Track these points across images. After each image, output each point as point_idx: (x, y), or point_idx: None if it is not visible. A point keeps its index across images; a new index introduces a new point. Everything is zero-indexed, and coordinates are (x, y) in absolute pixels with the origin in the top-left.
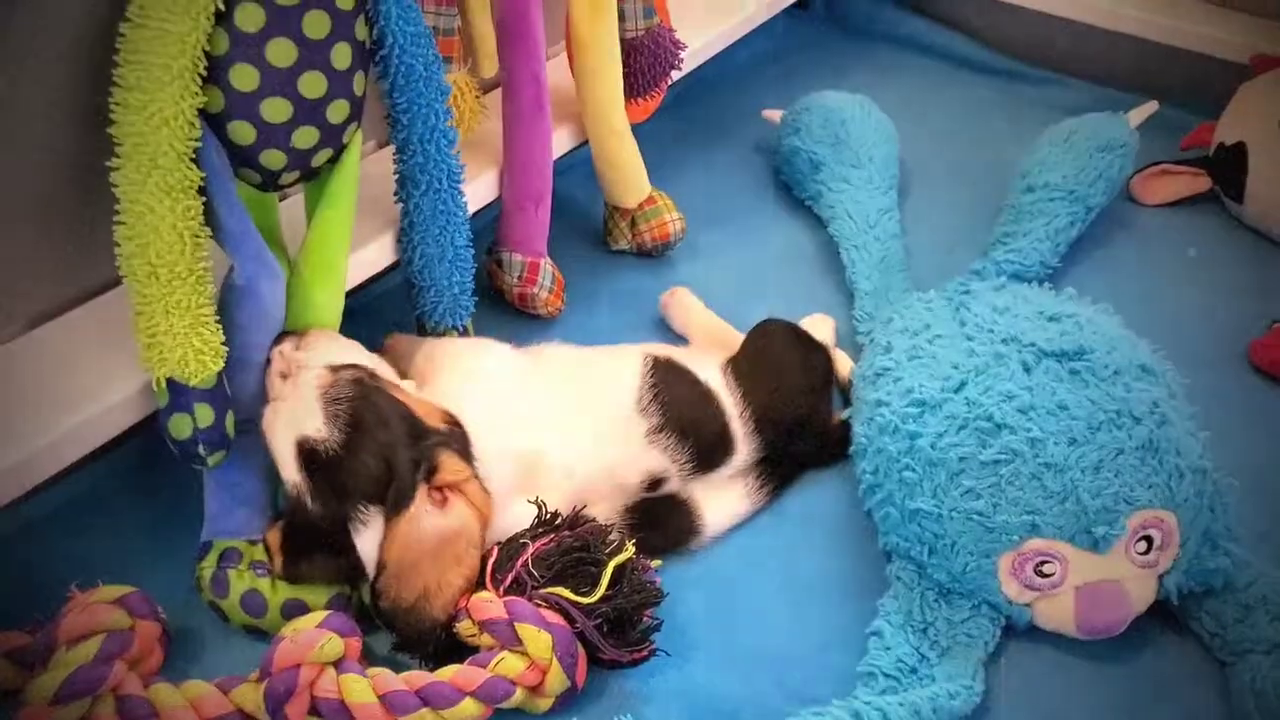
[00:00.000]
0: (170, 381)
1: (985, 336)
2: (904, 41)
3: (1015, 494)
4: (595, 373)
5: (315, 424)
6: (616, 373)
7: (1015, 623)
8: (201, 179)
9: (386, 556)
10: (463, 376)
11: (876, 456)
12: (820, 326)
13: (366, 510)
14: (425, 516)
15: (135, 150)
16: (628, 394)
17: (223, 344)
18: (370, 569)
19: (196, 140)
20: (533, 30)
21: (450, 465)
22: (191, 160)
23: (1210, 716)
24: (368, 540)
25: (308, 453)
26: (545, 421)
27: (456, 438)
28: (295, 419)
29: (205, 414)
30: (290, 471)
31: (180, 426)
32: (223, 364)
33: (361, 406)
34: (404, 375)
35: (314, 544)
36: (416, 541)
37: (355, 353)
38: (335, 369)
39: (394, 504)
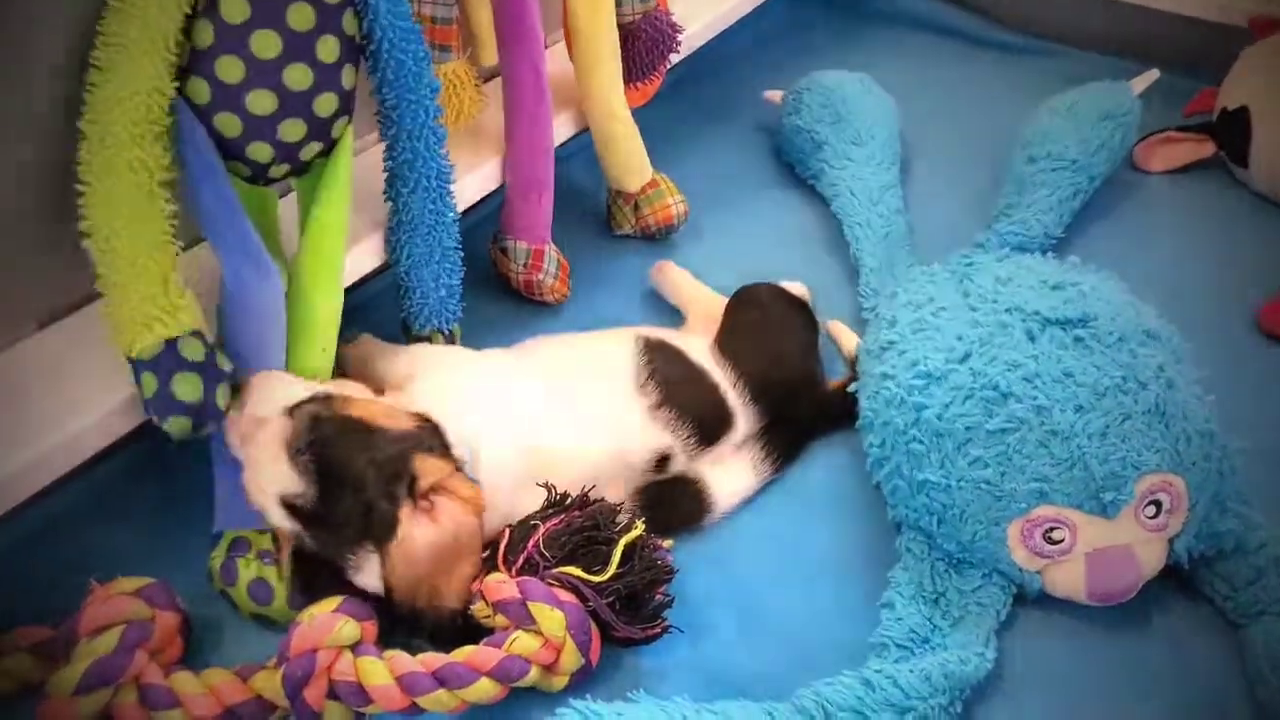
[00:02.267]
0: (128, 358)
1: (989, 307)
2: (903, 18)
3: (1023, 462)
4: (590, 357)
5: (288, 481)
6: (611, 355)
7: (1026, 590)
8: (167, 167)
9: (391, 581)
10: (449, 379)
11: (883, 429)
12: (793, 290)
13: (357, 551)
14: (416, 535)
15: (89, 126)
16: (625, 374)
17: (165, 312)
18: (378, 592)
19: (155, 125)
20: (531, 18)
21: (428, 468)
22: (147, 142)
23: (1224, 679)
24: (368, 575)
25: (291, 507)
26: (546, 412)
27: (428, 434)
28: (270, 478)
29: (149, 382)
30: (282, 522)
31: (142, 393)
32: (160, 341)
33: (326, 451)
34: (369, 380)
35: (322, 570)
36: (414, 560)
37: (300, 387)
38: (291, 411)
39: (379, 539)
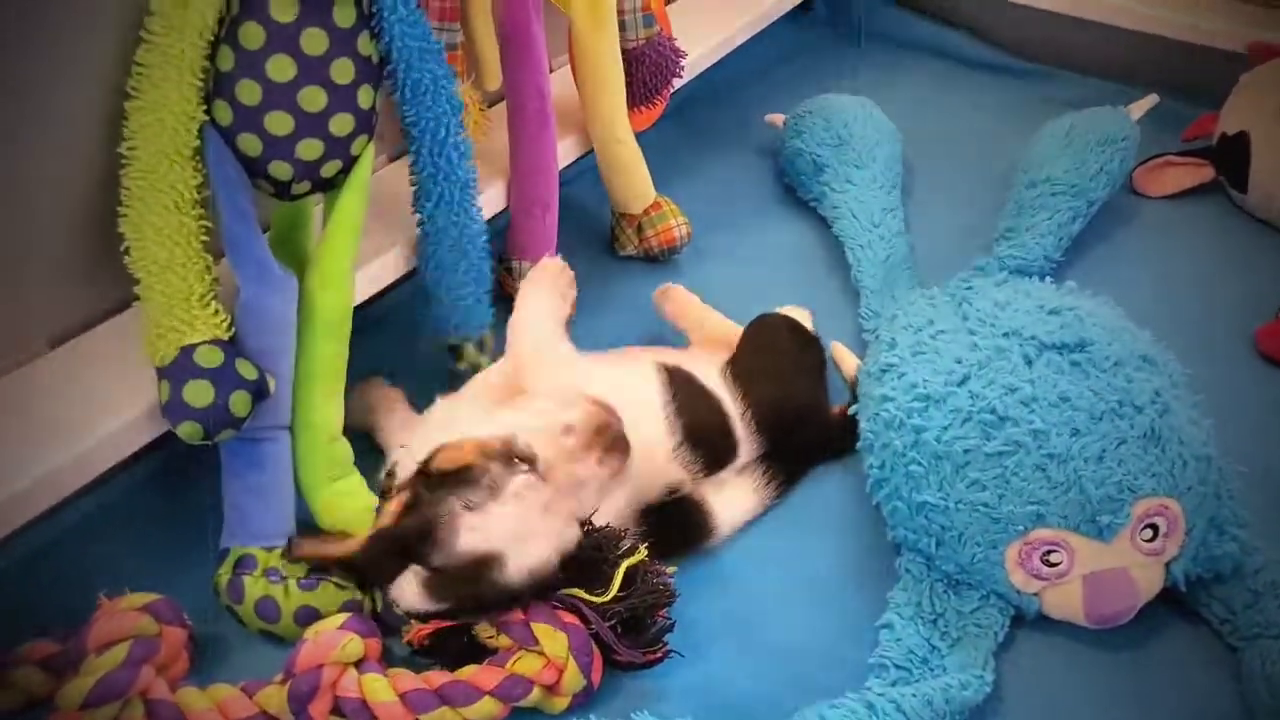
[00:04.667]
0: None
1: (987, 331)
2: (905, 42)
3: (1020, 485)
4: (626, 398)
5: (542, 556)
6: (644, 396)
7: (1024, 612)
8: (197, 187)
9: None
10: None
11: (883, 451)
12: (797, 316)
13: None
14: None
15: (127, 151)
16: (659, 420)
17: (183, 322)
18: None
19: (185, 147)
20: (535, 43)
21: None
22: (178, 164)
23: (1221, 702)
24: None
25: (484, 562)
26: None
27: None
28: (536, 537)
29: (164, 390)
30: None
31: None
32: (175, 349)
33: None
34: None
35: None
36: None
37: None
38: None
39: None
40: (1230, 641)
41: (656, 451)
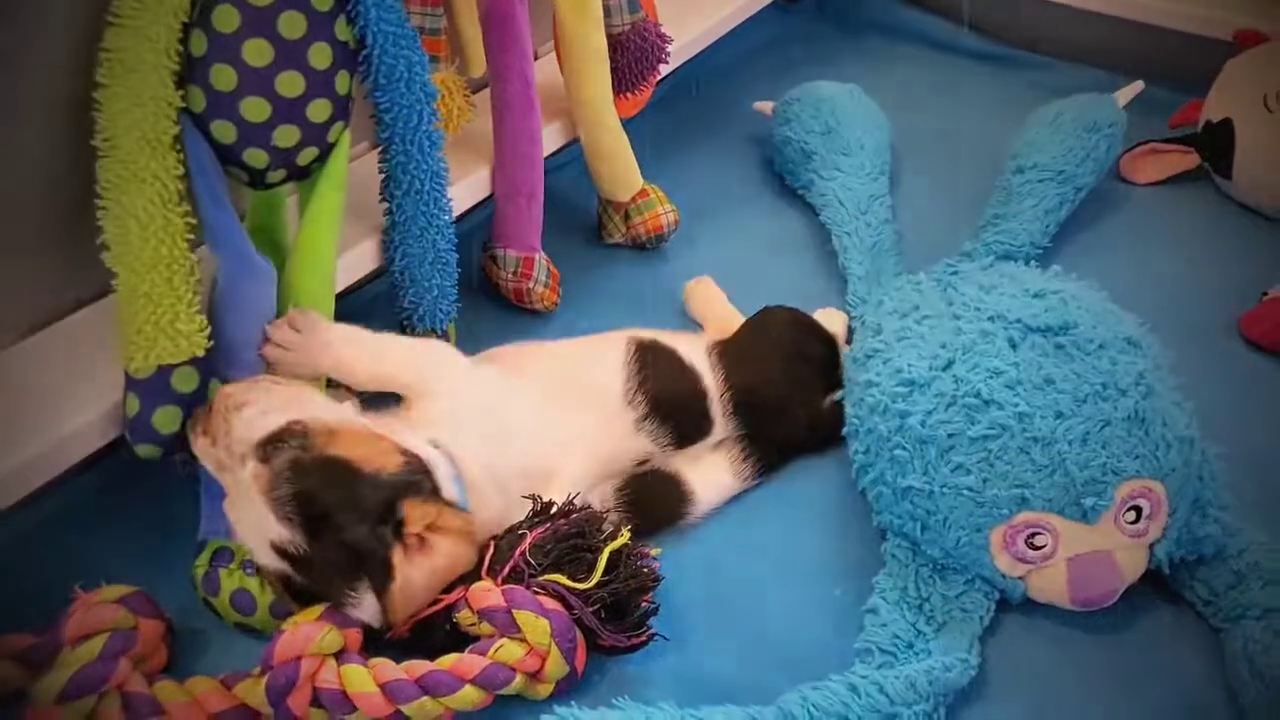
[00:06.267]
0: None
1: (972, 315)
2: (893, 30)
3: (1004, 468)
4: (581, 373)
5: (274, 530)
6: (602, 369)
7: (1009, 596)
8: (180, 176)
9: (393, 618)
10: (452, 405)
11: (868, 436)
12: (831, 320)
13: (355, 590)
14: (413, 574)
15: (102, 143)
16: (615, 390)
17: (168, 337)
18: (374, 622)
19: (165, 134)
20: (519, 29)
21: (415, 514)
22: (159, 152)
23: (1205, 683)
24: (366, 611)
25: (281, 551)
26: (543, 433)
27: (415, 474)
28: (255, 524)
29: (132, 404)
30: (272, 562)
31: (125, 410)
32: (154, 365)
33: (310, 504)
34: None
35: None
36: (413, 594)
37: (275, 414)
38: (265, 453)
39: (378, 585)
40: (1213, 623)
41: (616, 422)
